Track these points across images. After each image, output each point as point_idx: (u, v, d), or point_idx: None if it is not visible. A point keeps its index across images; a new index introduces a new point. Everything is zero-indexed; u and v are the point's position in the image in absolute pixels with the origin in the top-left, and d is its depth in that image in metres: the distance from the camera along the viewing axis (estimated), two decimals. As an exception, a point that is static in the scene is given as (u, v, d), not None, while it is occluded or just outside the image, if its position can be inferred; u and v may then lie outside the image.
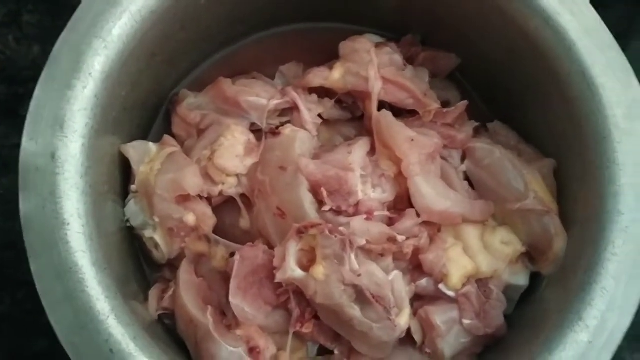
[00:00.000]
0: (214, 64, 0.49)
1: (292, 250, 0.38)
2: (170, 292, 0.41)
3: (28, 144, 0.35)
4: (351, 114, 0.46)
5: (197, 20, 0.43)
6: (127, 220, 0.43)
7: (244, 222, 0.43)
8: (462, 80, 0.49)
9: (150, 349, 0.34)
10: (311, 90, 0.45)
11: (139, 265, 0.45)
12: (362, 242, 0.38)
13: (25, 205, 0.34)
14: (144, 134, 0.46)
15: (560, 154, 0.42)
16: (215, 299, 0.41)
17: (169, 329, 0.42)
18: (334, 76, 0.44)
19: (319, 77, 0.44)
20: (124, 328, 0.34)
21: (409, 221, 0.40)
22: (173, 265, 0.43)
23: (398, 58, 0.44)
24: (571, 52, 0.39)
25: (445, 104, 0.46)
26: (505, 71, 0.45)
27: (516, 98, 0.45)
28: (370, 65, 0.43)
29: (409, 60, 0.47)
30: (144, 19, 0.37)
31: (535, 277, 0.42)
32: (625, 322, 0.35)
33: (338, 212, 0.40)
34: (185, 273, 0.41)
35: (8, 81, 0.54)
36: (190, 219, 0.41)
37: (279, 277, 0.38)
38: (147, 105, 0.45)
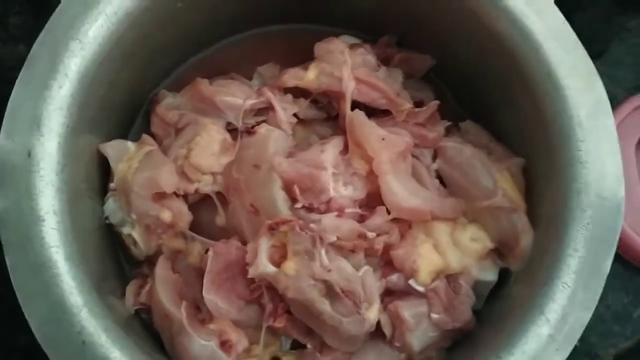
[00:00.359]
0: (194, 65, 0.50)
1: (264, 246, 0.39)
2: (147, 288, 0.42)
3: (5, 142, 0.36)
4: (326, 113, 0.47)
5: (175, 22, 0.44)
6: (107, 218, 0.44)
7: (220, 220, 0.44)
8: (437, 81, 0.50)
9: (122, 340, 0.35)
10: (287, 91, 0.46)
11: (118, 262, 0.46)
12: (333, 238, 0.39)
13: (2, 202, 0.35)
14: (124, 134, 0.47)
15: (529, 153, 0.43)
16: (190, 294, 0.42)
17: (145, 324, 0.43)
18: (309, 76, 0.45)
19: (293, 77, 0.45)
20: (97, 320, 0.35)
21: (379, 218, 0.41)
22: (151, 262, 0.44)
23: (371, 59, 0.45)
24: (537, 54, 0.40)
25: (419, 104, 0.47)
26: (477, 72, 0.46)
27: (488, 98, 0.46)
28: (344, 65, 0.44)
29: (385, 61, 0.48)
30: (119, 20, 0.38)
31: (504, 273, 0.43)
32: (585, 316, 0.36)
33: (310, 209, 0.41)
34: (161, 269, 0.42)
35: None
36: (167, 216, 0.42)
37: (252, 272, 0.39)
38: (126, 105, 0.46)
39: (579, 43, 0.40)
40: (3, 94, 0.54)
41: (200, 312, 0.41)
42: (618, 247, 0.52)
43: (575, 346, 0.52)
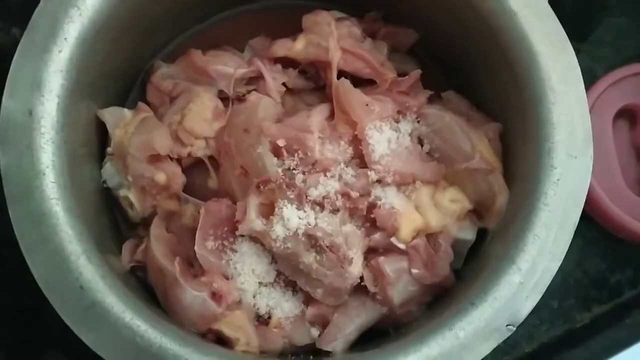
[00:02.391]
0: (190, 37, 0.52)
1: (253, 203, 0.42)
2: (142, 246, 0.44)
3: (7, 102, 0.38)
4: (314, 83, 0.49)
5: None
6: (104, 182, 0.46)
7: (212, 182, 0.46)
8: (421, 55, 0.52)
9: (118, 287, 0.38)
10: (277, 61, 0.48)
11: (116, 225, 0.48)
12: (317, 194, 0.41)
13: (4, 158, 0.38)
14: (121, 102, 0.49)
15: (505, 118, 0.45)
16: (183, 252, 0.44)
17: (140, 282, 0.45)
18: (297, 47, 0.47)
19: (282, 47, 0.47)
20: (94, 267, 0.37)
21: (363, 179, 0.43)
22: (147, 223, 0.46)
23: (357, 31, 0.48)
24: (512, 22, 0.42)
25: (403, 76, 0.49)
26: (459, 43, 0.48)
27: (469, 68, 0.49)
28: (330, 36, 0.46)
29: (372, 35, 0.50)
30: (116, -11, 0.41)
31: (483, 233, 0.45)
32: (554, 265, 0.39)
33: (297, 170, 0.43)
34: (156, 228, 0.44)
35: None
36: (161, 177, 0.44)
37: (241, 229, 0.41)
38: (123, 75, 0.48)
39: (552, 11, 0.42)
40: (4, 68, 0.56)
41: (192, 269, 0.44)
42: (595, 215, 0.55)
43: (554, 308, 0.55)
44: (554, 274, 0.38)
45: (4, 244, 0.53)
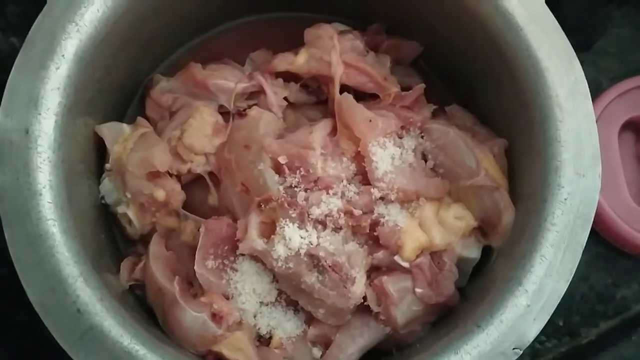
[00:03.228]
0: (188, 50, 0.51)
1: (254, 222, 0.41)
2: (141, 265, 0.43)
3: (4, 120, 0.37)
4: (316, 97, 0.48)
5: (169, 9, 0.45)
6: (102, 198, 0.45)
7: (212, 199, 0.45)
8: (424, 67, 0.52)
9: (116, 310, 0.37)
10: (278, 75, 0.47)
11: (114, 241, 0.47)
12: (319, 214, 0.41)
13: (0, 178, 0.37)
14: (120, 117, 0.49)
15: (511, 134, 0.44)
16: (183, 270, 0.43)
17: (139, 300, 0.44)
18: (299, 61, 0.46)
19: (284, 61, 0.46)
20: (92, 290, 0.36)
21: (366, 197, 0.43)
22: (145, 241, 0.45)
23: (359, 44, 0.47)
24: (518, 37, 0.41)
25: (407, 89, 0.48)
26: (463, 58, 0.47)
27: (474, 83, 0.48)
28: (333, 50, 0.46)
29: (374, 48, 0.49)
30: (115, 5, 0.40)
31: (487, 252, 0.44)
32: (562, 287, 0.38)
33: (298, 187, 0.42)
34: (155, 245, 0.44)
35: None
36: (160, 194, 0.43)
37: (242, 248, 0.41)
38: (123, 89, 0.48)
39: (559, 27, 0.41)
40: (1, 81, 0.56)
41: (192, 287, 0.43)
42: (601, 230, 0.54)
43: (560, 325, 0.54)
44: (562, 295, 0.38)
45: (2, 261, 0.53)
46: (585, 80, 0.40)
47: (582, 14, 0.60)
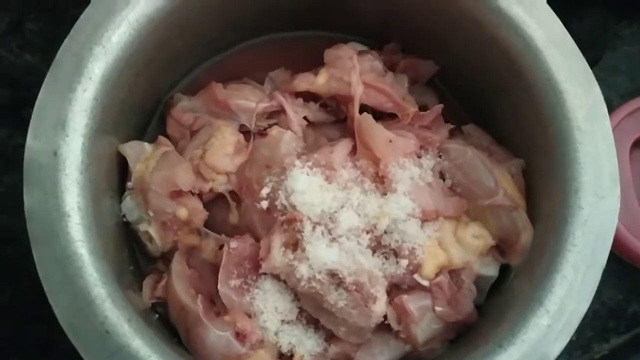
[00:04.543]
0: (208, 68, 0.52)
1: (277, 242, 0.41)
2: (163, 282, 0.44)
3: (32, 142, 0.38)
4: (335, 116, 0.49)
5: (192, 29, 0.46)
6: (124, 216, 0.46)
7: (233, 217, 0.46)
8: (440, 86, 0.52)
9: (143, 330, 0.37)
10: (297, 95, 0.48)
11: (134, 258, 0.47)
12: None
13: (29, 199, 0.37)
14: (140, 135, 0.49)
15: (529, 154, 0.45)
16: (205, 288, 0.44)
17: (161, 318, 0.45)
18: (319, 81, 0.47)
19: (304, 82, 0.47)
20: (119, 311, 0.37)
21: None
22: (166, 258, 0.46)
23: (378, 65, 0.48)
24: (537, 60, 0.42)
25: (423, 108, 0.49)
26: (480, 77, 0.48)
27: (490, 102, 0.48)
28: (353, 71, 0.46)
29: (391, 67, 0.50)
30: (141, 27, 0.40)
31: (505, 269, 0.45)
32: (582, 307, 0.38)
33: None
34: (177, 264, 0.44)
35: (12, 85, 0.57)
36: (183, 213, 0.44)
37: (265, 267, 0.41)
38: (143, 108, 0.48)
39: (577, 49, 0.42)
40: (20, 96, 0.57)
41: (215, 305, 0.43)
42: (613, 246, 0.55)
43: (572, 340, 0.54)
44: (583, 315, 0.38)
45: (21, 278, 0.54)
46: (604, 102, 0.41)
47: (593, 31, 0.61)
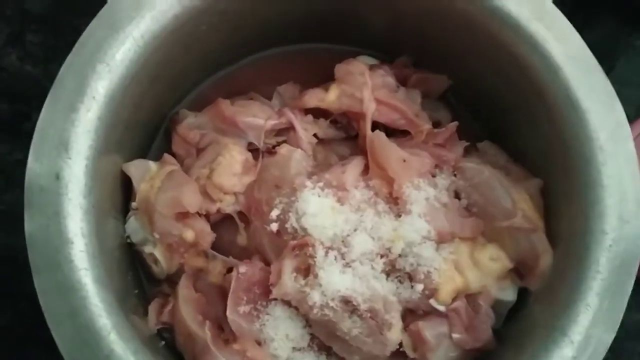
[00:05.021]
0: (213, 83, 0.50)
1: (288, 267, 0.40)
2: (169, 307, 0.42)
3: (33, 165, 0.36)
4: (345, 133, 0.47)
5: (198, 44, 0.44)
6: (128, 237, 0.44)
7: (241, 239, 0.44)
8: (453, 101, 0.51)
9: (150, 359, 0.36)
10: (307, 111, 0.46)
11: (139, 280, 0.46)
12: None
13: (30, 225, 0.36)
14: (145, 152, 0.47)
15: (547, 174, 0.43)
16: (212, 313, 0.42)
17: (167, 344, 0.43)
18: (330, 97, 0.45)
19: (314, 98, 0.45)
20: (125, 343, 0.35)
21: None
22: (172, 280, 0.44)
23: (391, 80, 0.46)
24: (557, 78, 0.40)
25: (436, 124, 0.47)
26: (495, 92, 0.46)
27: (505, 118, 0.47)
28: (365, 87, 0.45)
29: (402, 81, 0.48)
30: (146, 43, 0.39)
31: (523, 293, 0.43)
32: (608, 337, 0.37)
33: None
34: (184, 288, 0.42)
35: (11, 99, 0.56)
36: (189, 235, 0.42)
37: (275, 292, 0.40)
38: (148, 125, 0.47)
39: (599, 67, 0.40)
40: (20, 110, 0.55)
41: (223, 332, 0.41)
42: None
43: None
44: (608, 346, 0.37)
45: (21, 298, 0.52)
46: (627, 122, 0.40)
47: (605, 43, 0.59)
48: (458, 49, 0.46)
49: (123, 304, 0.38)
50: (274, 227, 0.42)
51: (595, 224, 0.38)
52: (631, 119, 0.56)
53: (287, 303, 0.41)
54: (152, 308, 0.43)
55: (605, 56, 0.59)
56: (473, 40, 0.44)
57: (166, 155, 0.45)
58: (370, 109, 0.44)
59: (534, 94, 0.42)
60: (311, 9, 0.46)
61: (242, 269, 0.41)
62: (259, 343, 0.41)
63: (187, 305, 0.42)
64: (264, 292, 0.41)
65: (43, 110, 0.37)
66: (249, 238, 0.44)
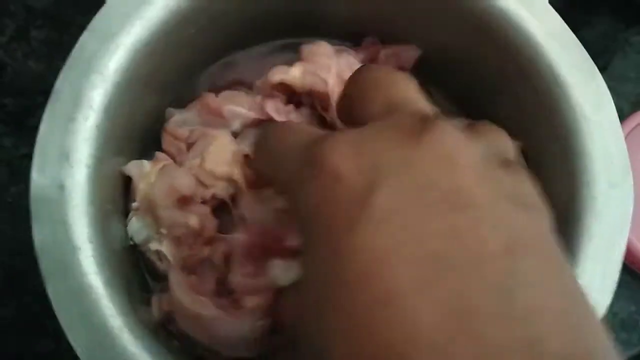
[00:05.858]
0: (205, 80, 0.51)
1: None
2: (167, 295, 0.42)
3: (37, 177, 0.37)
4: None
5: (188, 46, 0.45)
6: (131, 238, 0.45)
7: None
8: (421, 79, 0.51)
9: (162, 356, 0.37)
10: (288, 101, 0.47)
11: (143, 279, 0.47)
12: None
13: (39, 234, 0.37)
14: (143, 155, 0.48)
15: (532, 144, 0.44)
16: (208, 288, 0.43)
17: (172, 335, 0.43)
18: (294, 72, 0.46)
19: (279, 73, 0.46)
20: (138, 341, 0.36)
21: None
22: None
23: (355, 61, 0.47)
24: (537, 53, 0.41)
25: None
26: (471, 69, 0.47)
27: (488, 102, 0.48)
28: (330, 67, 0.45)
29: (372, 60, 0.49)
30: (137, 50, 0.39)
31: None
32: (605, 299, 0.38)
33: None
34: (175, 275, 0.43)
35: (16, 94, 0.57)
36: (193, 220, 0.43)
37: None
38: (145, 128, 0.47)
39: (577, 41, 0.41)
40: (24, 105, 0.56)
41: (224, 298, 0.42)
42: (625, 258, 0.54)
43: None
44: (606, 308, 0.38)
45: (26, 290, 0.53)
46: (609, 93, 0.41)
47: (602, 39, 0.60)
48: (424, 22, 0.47)
49: (133, 306, 0.39)
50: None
51: (584, 191, 0.39)
52: (626, 114, 0.57)
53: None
54: (155, 299, 0.43)
55: (602, 52, 0.60)
56: (459, 27, 0.45)
57: (158, 153, 0.46)
58: (336, 91, 0.45)
59: (516, 69, 0.43)
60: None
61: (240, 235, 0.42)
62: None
63: (182, 289, 0.42)
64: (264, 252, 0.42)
65: (42, 122, 0.38)
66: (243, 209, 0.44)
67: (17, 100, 0.56)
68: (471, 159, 0.23)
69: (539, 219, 0.24)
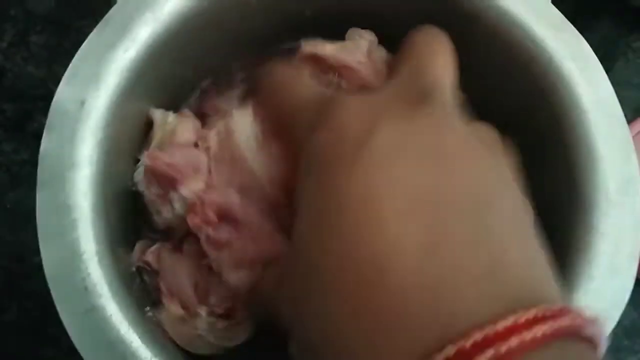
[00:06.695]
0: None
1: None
2: (153, 248, 0.43)
3: (62, 89, 0.38)
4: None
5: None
6: (135, 185, 0.45)
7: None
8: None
9: (123, 296, 0.37)
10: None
11: (135, 225, 0.47)
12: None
13: (46, 143, 0.38)
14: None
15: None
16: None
17: (142, 285, 0.43)
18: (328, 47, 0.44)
19: (313, 46, 0.44)
20: (103, 271, 0.36)
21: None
22: (170, 234, 0.45)
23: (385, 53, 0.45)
24: (579, 120, 0.41)
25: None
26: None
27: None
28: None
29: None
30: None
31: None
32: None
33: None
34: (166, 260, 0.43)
35: (16, 99, 0.58)
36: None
37: None
38: (181, 84, 0.48)
39: (623, 119, 0.40)
40: (24, 110, 0.56)
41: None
42: None
43: None
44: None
45: (27, 296, 0.53)
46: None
47: (604, 44, 0.59)
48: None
49: (113, 239, 0.39)
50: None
51: (584, 269, 0.38)
52: (630, 121, 0.56)
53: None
54: (138, 246, 0.44)
55: (604, 58, 0.59)
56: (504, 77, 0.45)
57: (185, 110, 0.46)
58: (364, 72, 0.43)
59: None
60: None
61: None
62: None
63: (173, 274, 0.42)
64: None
65: (85, 43, 0.39)
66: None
67: (16, 105, 0.56)
68: (461, 135, 0.27)
69: (501, 158, 0.30)
